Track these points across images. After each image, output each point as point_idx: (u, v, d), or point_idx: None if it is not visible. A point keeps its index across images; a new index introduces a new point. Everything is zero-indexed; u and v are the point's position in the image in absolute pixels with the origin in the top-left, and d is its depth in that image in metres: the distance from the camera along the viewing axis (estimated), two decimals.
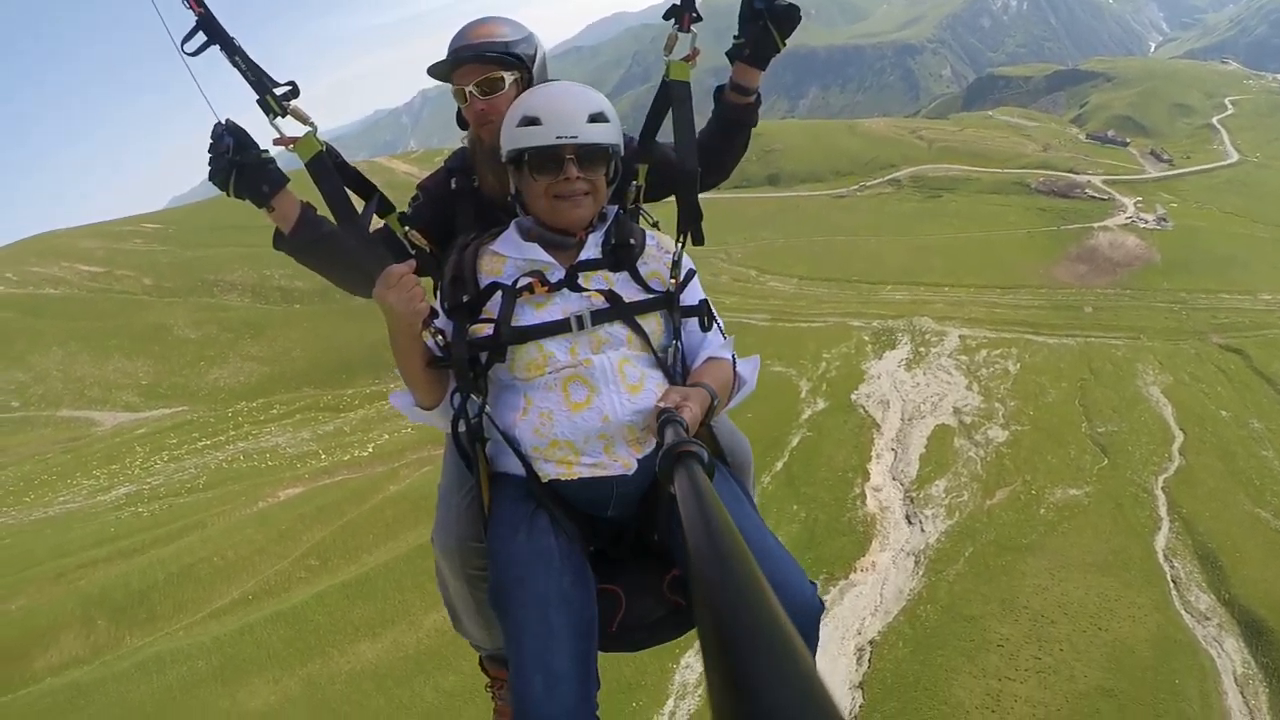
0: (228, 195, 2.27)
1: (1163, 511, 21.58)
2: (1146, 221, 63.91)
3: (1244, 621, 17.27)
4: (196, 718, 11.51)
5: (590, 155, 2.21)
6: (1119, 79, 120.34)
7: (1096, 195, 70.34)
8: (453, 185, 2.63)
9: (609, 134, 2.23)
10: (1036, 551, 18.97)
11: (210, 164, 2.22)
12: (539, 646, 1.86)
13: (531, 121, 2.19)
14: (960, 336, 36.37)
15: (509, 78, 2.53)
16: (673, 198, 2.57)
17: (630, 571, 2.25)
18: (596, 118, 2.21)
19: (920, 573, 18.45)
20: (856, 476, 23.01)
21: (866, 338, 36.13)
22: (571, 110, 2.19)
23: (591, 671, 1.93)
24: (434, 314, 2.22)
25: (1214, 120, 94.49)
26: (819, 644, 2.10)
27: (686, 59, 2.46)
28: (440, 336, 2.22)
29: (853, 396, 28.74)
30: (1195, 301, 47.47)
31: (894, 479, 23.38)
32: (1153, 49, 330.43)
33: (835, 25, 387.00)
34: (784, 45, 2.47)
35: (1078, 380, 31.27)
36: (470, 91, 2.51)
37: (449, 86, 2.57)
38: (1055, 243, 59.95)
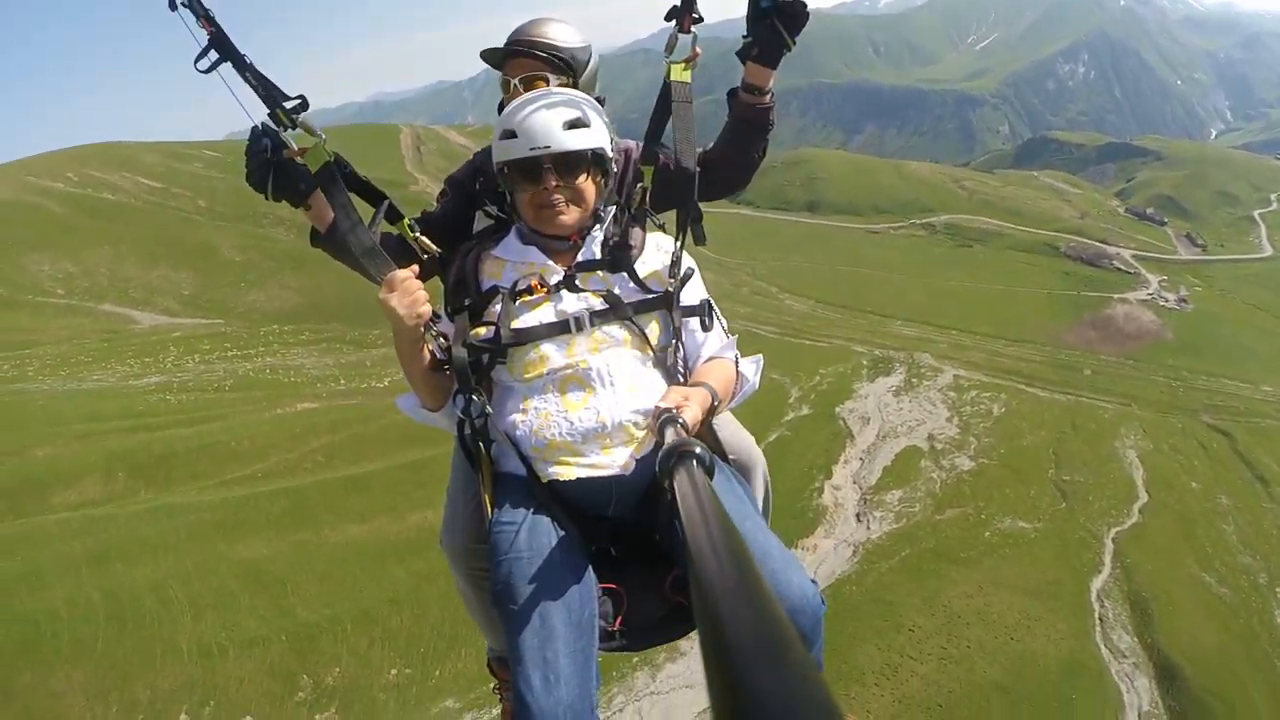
0: (265, 198, 2.32)
1: (1107, 558, 22.42)
2: (1167, 300, 64.80)
3: (1160, 665, 18.10)
4: (196, 556, 13.14)
5: (568, 163, 2.24)
6: (1170, 159, 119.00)
7: (1123, 268, 71.35)
8: (478, 185, 2.67)
9: (588, 139, 2.25)
10: (971, 566, 19.86)
11: (248, 165, 2.27)
12: (539, 644, 1.90)
13: (509, 135, 2.26)
14: (955, 375, 37.28)
15: (554, 81, 2.64)
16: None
17: (632, 571, 2.24)
18: (574, 124, 2.24)
19: (855, 560, 19.58)
20: (820, 474, 24.10)
21: (865, 362, 37.19)
22: (544, 121, 2.23)
23: (592, 670, 1.96)
24: (436, 318, 2.28)
25: (1256, 213, 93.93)
26: (822, 643, 2.16)
27: (687, 60, 2.50)
28: (443, 339, 2.27)
29: (837, 409, 29.79)
30: (1195, 381, 48.43)
31: (854, 482, 24.47)
32: (1213, 135, 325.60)
33: (903, 66, 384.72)
34: (794, 44, 2.44)
35: (1057, 431, 31.94)
36: (515, 85, 2.64)
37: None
38: (1072, 307, 61.18)
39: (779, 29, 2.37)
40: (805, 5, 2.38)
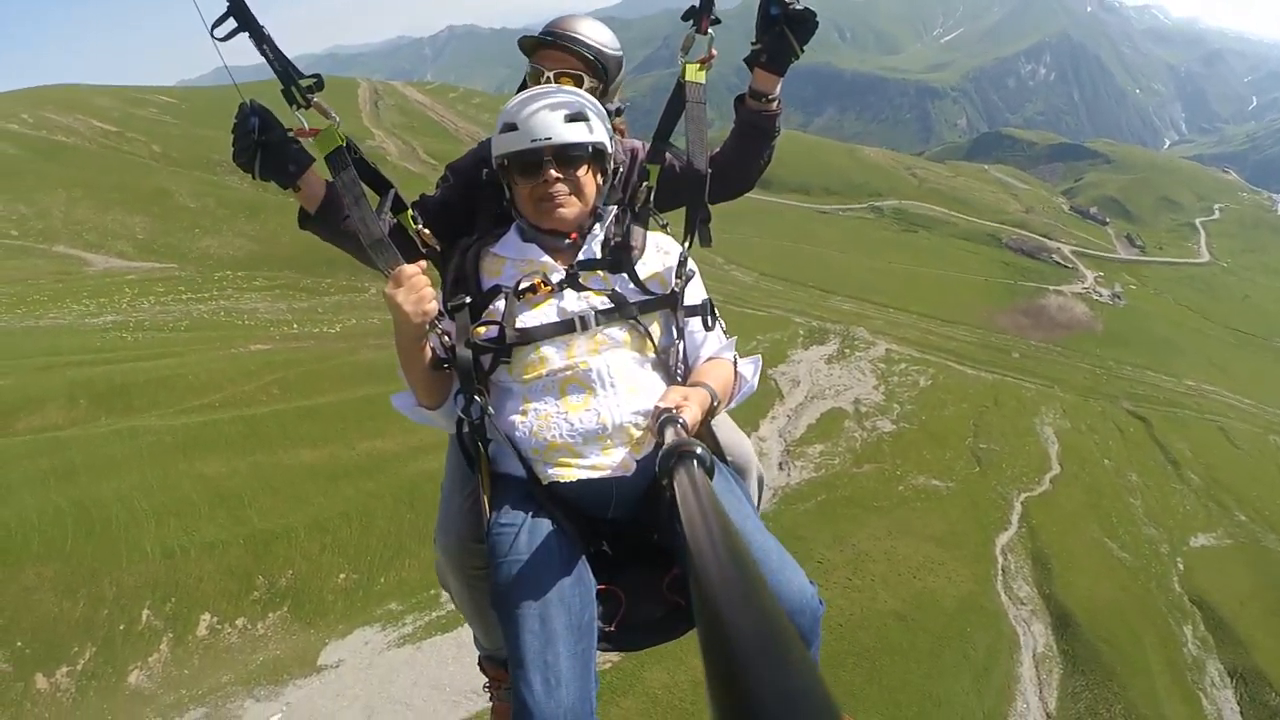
0: (253, 178, 2.28)
1: (1014, 518, 23.36)
2: (1101, 295, 66.91)
3: (1057, 614, 19.01)
4: (158, 472, 13.88)
5: (569, 155, 2.23)
6: (1119, 163, 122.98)
7: (1062, 263, 73.40)
8: (484, 175, 2.56)
9: (588, 133, 2.25)
10: (883, 515, 20.74)
11: (235, 144, 2.23)
12: (540, 647, 1.90)
13: (510, 128, 2.25)
14: (887, 349, 38.33)
15: (587, 83, 2.66)
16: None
17: (630, 572, 2.25)
18: (575, 118, 2.23)
19: (774, 502, 20.30)
20: (747, 427, 24.68)
21: (801, 332, 38.14)
22: (546, 113, 2.22)
23: (590, 672, 1.97)
24: (441, 315, 2.22)
25: (1197, 221, 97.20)
26: (820, 643, 2.17)
27: (702, 61, 2.49)
28: (447, 337, 2.23)
29: (770, 372, 30.34)
30: (1120, 371, 50.18)
31: (780, 435, 25.35)
32: (1166, 145, 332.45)
33: (867, 52, 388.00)
34: (801, 52, 2.45)
35: (979, 405, 32.86)
36: (549, 76, 2.62)
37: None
38: (1007, 294, 62.85)
39: (788, 37, 2.40)
40: (814, 15, 2.43)
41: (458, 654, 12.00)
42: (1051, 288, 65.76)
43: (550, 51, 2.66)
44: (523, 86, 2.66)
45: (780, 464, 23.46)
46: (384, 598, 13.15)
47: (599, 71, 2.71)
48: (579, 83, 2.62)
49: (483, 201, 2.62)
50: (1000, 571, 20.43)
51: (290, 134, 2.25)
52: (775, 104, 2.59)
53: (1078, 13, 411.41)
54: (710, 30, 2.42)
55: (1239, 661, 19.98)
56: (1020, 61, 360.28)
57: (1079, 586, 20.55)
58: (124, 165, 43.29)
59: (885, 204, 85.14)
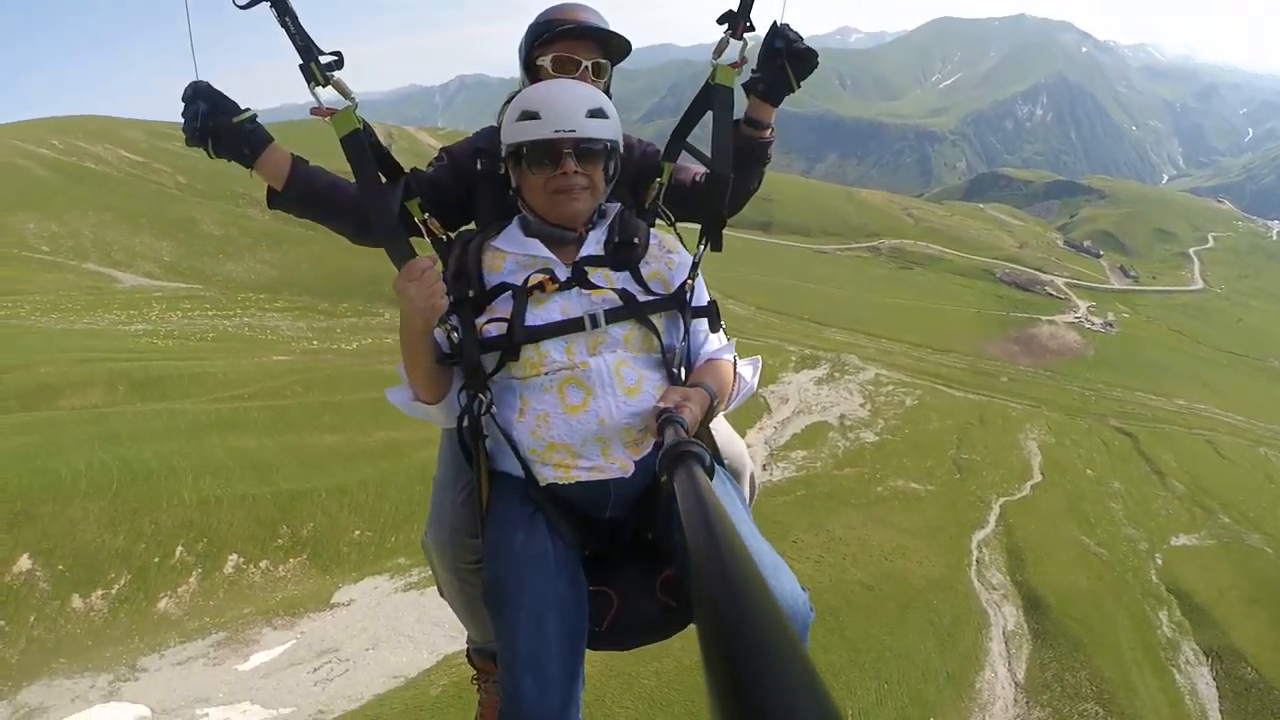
0: (210, 157, 2.20)
1: (991, 518, 23.41)
2: (1093, 324, 68.19)
3: (1029, 598, 19.06)
4: (196, 443, 15.36)
5: (588, 150, 2.19)
6: (1113, 197, 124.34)
7: (1055, 294, 74.96)
8: (479, 166, 2.53)
9: (607, 130, 2.22)
10: (860, 510, 21.06)
11: (184, 128, 2.12)
12: (532, 648, 1.91)
13: (530, 116, 2.19)
14: (877, 374, 38.87)
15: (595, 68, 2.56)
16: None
17: (624, 572, 2.25)
18: (595, 114, 2.20)
19: (755, 496, 21.57)
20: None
21: (794, 358, 38.70)
22: (570, 105, 2.19)
23: (579, 673, 1.98)
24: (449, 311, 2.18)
25: (1191, 250, 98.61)
26: (808, 648, 1.96)
27: (734, 66, 2.44)
28: (455, 333, 2.19)
29: (760, 391, 30.83)
30: (1109, 393, 50.75)
31: (765, 443, 26.09)
32: (1165, 180, 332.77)
33: (868, 98, 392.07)
34: (798, 86, 2.44)
35: (964, 421, 33.17)
36: (587, 67, 2.52)
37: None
38: (999, 325, 63.99)
39: (786, 71, 2.39)
40: (814, 53, 2.42)
41: None
42: (1044, 318, 66.90)
43: (581, 41, 2.54)
44: (530, 74, 2.57)
45: (764, 465, 24.23)
46: (394, 553, 14.43)
47: (617, 60, 2.65)
48: (605, 71, 2.58)
49: (482, 193, 2.59)
50: (974, 562, 20.43)
51: (251, 115, 2.20)
52: (769, 132, 2.57)
53: (1073, 54, 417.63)
54: (745, 36, 2.37)
55: (1215, 642, 19.87)
56: (1018, 104, 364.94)
57: (1053, 575, 20.56)
58: (151, 193, 45.09)
59: (883, 244, 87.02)
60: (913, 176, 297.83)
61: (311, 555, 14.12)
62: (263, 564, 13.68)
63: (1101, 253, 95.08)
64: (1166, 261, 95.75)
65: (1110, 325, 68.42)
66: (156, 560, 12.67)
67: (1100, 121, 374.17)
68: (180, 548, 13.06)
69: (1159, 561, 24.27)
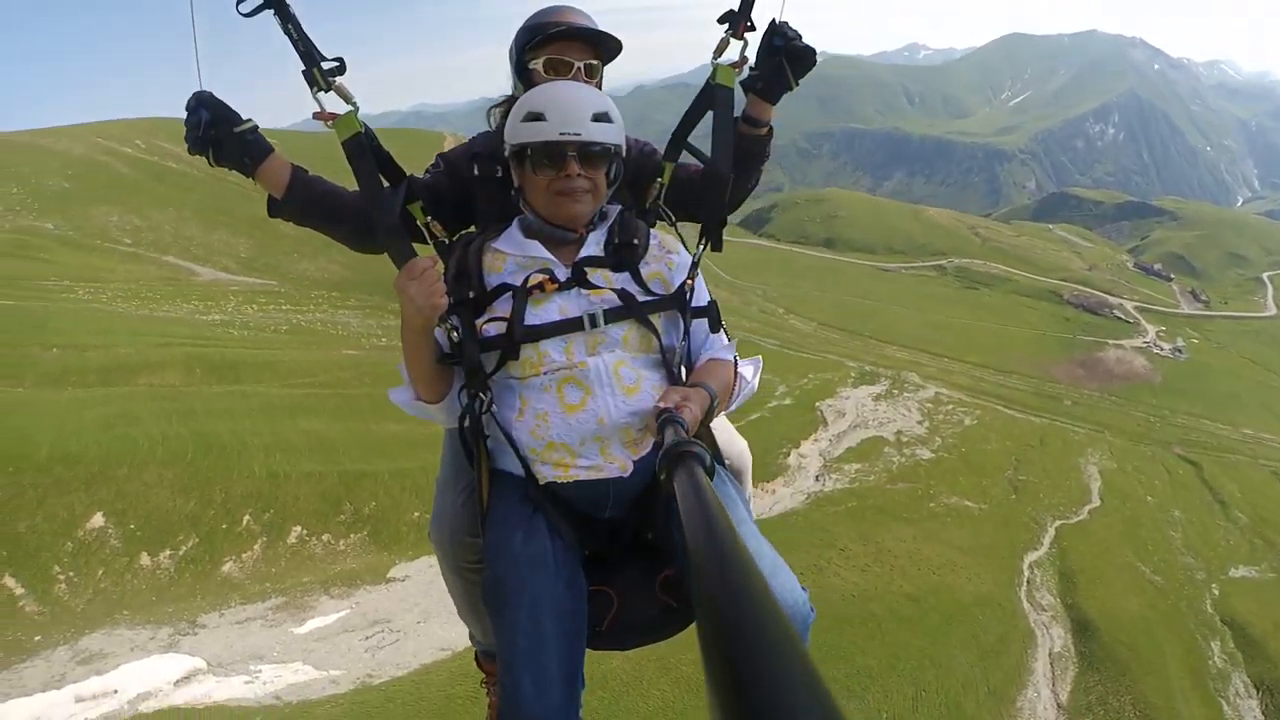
0: (210, 165, 2.25)
1: (1046, 540, 23.05)
2: (1162, 349, 66.86)
3: (1078, 620, 18.73)
4: (267, 423, 16.07)
5: (592, 153, 2.22)
6: (1185, 219, 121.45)
7: (1123, 318, 73.62)
8: (475, 170, 2.57)
9: (612, 134, 2.24)
10: (912, 524, 20.92)
11: (186, 137, 2.19)
12: (531, 647, 1.91)
13: (536, 117, 2.21)
14: (937, 392, 38.57)
15: (590, 69, 2.56)
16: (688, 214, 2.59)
17: (623, 572, 2.25)
18: (600, 117, 2.21)
19: (806, 503, 21.17)
20: (789, 444, 25.58)
21: (853, 374, 38.53)
22: (576, 108, 2.20)
23: (579, 673, 1.98)
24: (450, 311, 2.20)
25: (1265, 275, 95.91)
26: (808, 648, 2.35)
27: (734, 66, 2.45)
28: (455, 333, 2.21)
29: (817, 404, 31.19)
30: (1174, 419, 49.77)
31: (820, 455, 25.96)
32: (1239, 203, 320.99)
33: (936, 117, 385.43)
34: (796, 85, 2.45)
35: (1024, 444, 32.69)
36: (580, 68, 2.52)
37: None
38: (1065, 348, 63.02)
39: (784, 69, 2.39)
40: (813, 51, 2.42)
41: None
42: (1111, 342, 65.81)
43: (573, 43, 2.54)
44: (522, 77, 2.60)
45: (817, 476, 24.29)
46: None
47: (608, 60, 2.66)
48: (596, 72, 2.60)
49: (480, 197, 2.60)
50: (1025, 582, 20.25)
51: (252, 125, 2.26)
52: (766, 130, 2.57)
53: (1145, 71, 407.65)
54: (746, 36, 2.39)
55: (1267, 675, 19.37)
56: (1088, 122, 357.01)
57: (1105, 600, 20.18)
58: (228, 193, 46.51)
59: (948, 262, 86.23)
60: (981, 195, 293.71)
61: (372, 532, 14.72)
62: (325, 537, 14.26)
63: (1172, 276, 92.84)
64: (1239, 286, 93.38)
65: (1180, 351, 66.99)
66: (224, 527, 13.22)
67: (1173, 141, 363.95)
68: (248, 516, 13.67)
69: (1215, 592, 23.77)
